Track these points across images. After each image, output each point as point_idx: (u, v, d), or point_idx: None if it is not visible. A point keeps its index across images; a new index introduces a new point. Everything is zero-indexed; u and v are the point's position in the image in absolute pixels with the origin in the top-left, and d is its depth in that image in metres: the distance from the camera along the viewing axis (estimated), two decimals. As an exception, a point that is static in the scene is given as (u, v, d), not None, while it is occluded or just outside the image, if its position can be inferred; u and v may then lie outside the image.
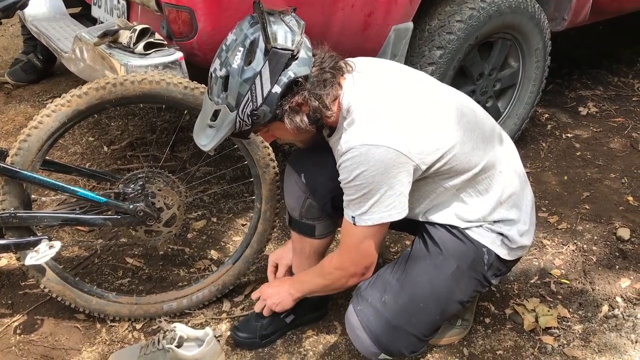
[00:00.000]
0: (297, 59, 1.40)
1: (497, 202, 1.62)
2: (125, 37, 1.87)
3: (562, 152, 2.94)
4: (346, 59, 1.55)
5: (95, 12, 2.53)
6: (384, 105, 1.49)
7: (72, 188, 1.78)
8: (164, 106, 1.82)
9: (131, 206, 1.80)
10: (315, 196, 1.77)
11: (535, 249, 2.30)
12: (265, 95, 1.40)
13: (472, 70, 2.53)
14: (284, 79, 1.39)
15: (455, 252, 1.61)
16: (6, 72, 3.52)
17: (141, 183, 1.82)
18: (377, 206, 1.47)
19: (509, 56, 2.66)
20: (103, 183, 2.37)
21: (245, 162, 1.96)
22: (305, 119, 1.46)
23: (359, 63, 1.56)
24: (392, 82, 1.56)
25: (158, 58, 1.83)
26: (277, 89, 1.40)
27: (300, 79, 1.41)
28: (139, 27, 1.87)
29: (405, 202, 1.50)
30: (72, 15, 2.75)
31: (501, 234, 1.63)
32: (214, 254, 2.29)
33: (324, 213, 1.80)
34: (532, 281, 2.15)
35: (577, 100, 3.43)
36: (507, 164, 1.65)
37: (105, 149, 2.90)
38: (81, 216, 1.82)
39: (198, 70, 1.93)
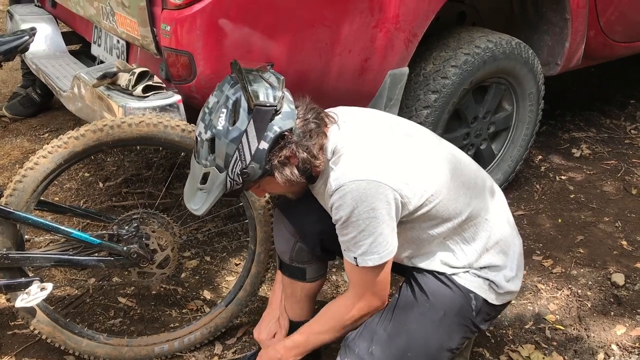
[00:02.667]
0: (280, 113, 1.42)
1: (483, 249, 1.63)
2: (124, 79, 1.89)
3: (556, 195, 2.95)
4: (328, 110, 1.57)
5: (95, 50, 2.56)
6: (371, 145, 1.51)
7: (66, 229, 1.77)
8: (160, 148, 1.83)
9: (125, 248, 1.80)
10: (305, 240, 1.77)
11: (530, 293, 2.30)
12: (253, 152, 1.41)
13: (466, 113, 2.56)
14: (270, 134, 1.41)
15: (442, 299, 1.61)
16: (4, 105, 3.53)
17: (135, 224, 1.81)
18: (376, 245, 1.47)
19: (503, 100, 2.70)
20: (96, 222, 2.36)
21: (241, 204, 1.96)
22: (295, 170, 1.46)
23: (342, 113, 1.58)
24: (377, 128, 1.58)
25: (156, 101, 1.85)
26: (264, 144, 1.41)
27: (286, 133, 1.42)
28: (138, 70, 1.89)
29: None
30: (72, 53, 2.78)
31: (488, 279, 1.63)
32: (206, 294, 2.27)
33: (314, 256, 1.80)
34: (526, 326, 2.13)
35: (571, 142, 3.46)
36: (494, 211, 1.66)
37: (101, 185, 2.90)
38: (74, 257, 1.81)
39: (196, 112, 1.94)
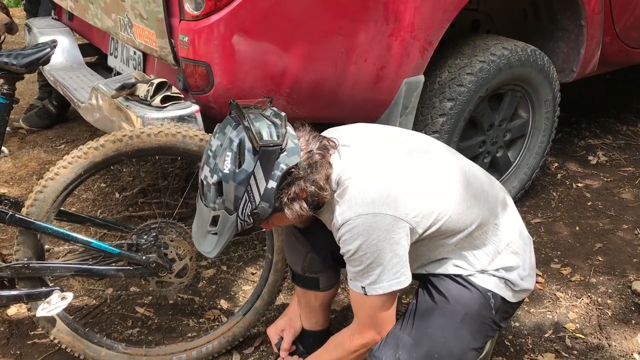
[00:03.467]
0: (285, 150, 1.40)
1: (494, 253, 1.62)
2: (142, 90, 1.90)
3: (573, 202, 2.93)
4: (327, 134, 1.56)
5: (112, 61, 2.58)
6: (374, 173, 1.49)
7: (85, 239, 1.78)
8: (178, 158, 1.84)
9: (144, 257, 1.80)
10: (316, 250, 1.77)
11: (549, 301, 2.27)
12: (262, 192, 1.40)
13: (482, 121, 2.55)
14: (277, 173, 1.40)
15: (462, 299, 1.60)
16: (21, 117, 3.57)
17: (154, 234, 1.82)
18: (386, 274, 1.46)
19: (519, 107, 2.69)
20: (114, 232, 2.37)
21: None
22: (304, 205, 1.45)
23: (342, 135, 1.56)
24: (379, 149, 1.56)
25: (174, 111, 1.86)
26: (273, 183, 1.40)
27: (292, 169, 1.41)
28: (156, 81, 1.90)
29: (409, 267, 1.50)
30: (88, 64, 2.81)
31: (503, 278, 1.63)
32: (223, 303, 2.28)
33: (326, 265, 1.79)
34: (546, 335, 2.11)
35: (587, 149, 3.44)
36: (503, 216, 1.65)
37: (117, 195, 2.92)
38: (94, 267, 1.82)
39: (213, 122, 1.95)
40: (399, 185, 1.47)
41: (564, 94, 2.81)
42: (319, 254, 1.77)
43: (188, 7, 1.84)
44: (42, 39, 2.67)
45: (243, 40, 1.85)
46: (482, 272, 1.61)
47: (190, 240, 1.88)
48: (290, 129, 1.45)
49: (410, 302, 1.70)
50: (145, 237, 1.83)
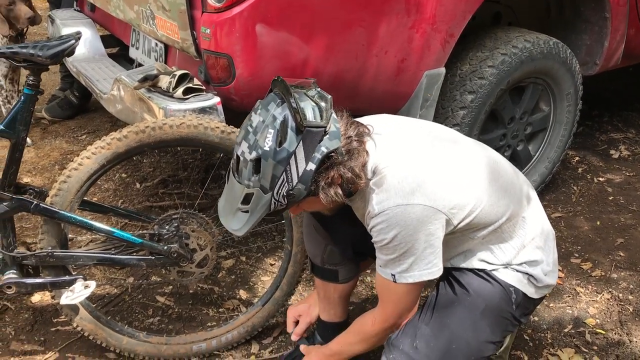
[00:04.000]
0: (327, 133, 1.38)
1: (520, 246, 1.61)
2: (165, 81, 1.91)
3: (594, 197, 2.90)
4: (361, 121, 1.53)
5: (133, 53, 2.60)
6: (411, 163, 1.48)
7: (108, 229, 1.80)
8: (200, 149, 1.85)
9: (165, 247, 1.82)
10: (336, 242, 1.77)
11: (569, 296, 2.26)
12: (300, 174, 1.37)
13: (503, 114, 2.53)
14: (318, 155, 1.37)
15: (483, 293, 1.60)
16: (43, 108, 3.62)
17: (176, 224, 1.84)
18: (418, 264, 1.46)
19: (540, 100, 2.66)
20: (136, 222, 2.40)
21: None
22: (339, 191, 1.42)
23: (374, 124, 1.54)
24: (411, 140, 1.55)
25: (196, 103, 1.87)
26: (312, 166, 1.37)
27: (332, 153, 1.39)
28: (178, 73, 1.91)
29: (441, 258, 1.50)
30: (110, 55, 2.84)
31: (527, 274, 1.62)
32: (242, 294, 2.29)
33: (346, 258, 1.80)
34: (565, 330, 2.10)
35: (608, 143, 3.40)
36: (529, 209, 1.65)
37: (138, 185, 2.95)
38: (116, 256, 1.85)
39: (234, 114, 1.97)
40: (436, 176, 1.46)
41: (586, 87, 2.77)
42: (338, 247, 1.77)
43: (210, -1, 1.85)
44: (65, 31, 2.70)
45: (264, 32, 1.85)
46: (506, 266, 1.61)
47: (211, 231, 1.90)
48: (333, 113, 1.42)
49: (429, 294, 1.70)
50: (167, 227, 1.84)
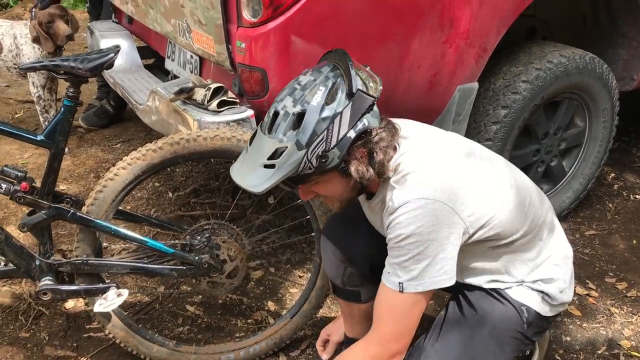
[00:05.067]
0: (372, 109, 1.40)
1: (535, 264, 1.59)
2: (200, 94, 1.95)
3: (630, 214, 2.83)
4: (390, 120, 1.52)
5: (169, 64, 2.65)
6: (436, 166, 1.46)
7: (142, 238, 1.84)
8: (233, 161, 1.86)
9: (197, 257, 1.84)
10: (354, 264, 1.77)
11: (603, 316, 2.21)
12: (340, 137, 1.36)
13: (537, 129, 2.50)
14: (360, 125, 1.37)
15: (492, 313, 1.57)
16: (80, 116, 3.70)
17: (207, 235, 1.86)
18: (429, 270, 1.41)
19: (575, 116, 2.62)
20: (168, 231, 2.43)
21: (307, 217, 1.98)
22: (371, 170, 1.42)
23: (402, 127, 1.53)
24: (436, 145, 1.54)
25: (230, 115, 1.90)
26: (352, 133, 1.37)
27: (371, 130, 1.40)
28: (213, 86, 1.94)
29: (455, 267, 1.44)
30: (146, 67, 2.90)
31: (541, 292, 1.59)
32: (271, 305, 2.30)
33: (366, 279, 1.79)
34: (599, 351, 2.05)
35: (646, 159, 3.32)
36: (546, 225, 1.62)
37: (170, 195, 2.99)
38: (149, 266, 1.87)
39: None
40: (459, 181, 1.45)
41: (622, 102, 2.72)
42: (357, 268, 1.77)
43: (246, 14, 1.87)
44: (104, 42, 2.77)
45: (298, 46, 1.87)
46: (520, 284, 1.58)
47: (242, 242, 1.91)
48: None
49: (438, 314, 1.68)
50: (198, 237, 1.87)
